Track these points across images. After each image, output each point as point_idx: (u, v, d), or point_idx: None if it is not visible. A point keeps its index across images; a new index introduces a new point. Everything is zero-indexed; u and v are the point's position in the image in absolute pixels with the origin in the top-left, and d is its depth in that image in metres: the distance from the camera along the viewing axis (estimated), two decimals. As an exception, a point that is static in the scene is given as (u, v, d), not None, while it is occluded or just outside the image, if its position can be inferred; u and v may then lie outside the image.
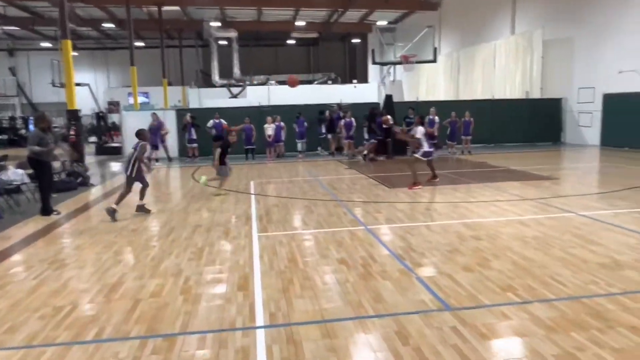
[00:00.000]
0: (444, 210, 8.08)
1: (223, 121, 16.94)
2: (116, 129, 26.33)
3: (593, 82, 19.63)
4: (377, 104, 19.40)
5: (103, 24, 32.43)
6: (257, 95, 28.52)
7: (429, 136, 11.38)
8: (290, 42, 44.95)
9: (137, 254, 6.11)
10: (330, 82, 39.60)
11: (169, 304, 4.42)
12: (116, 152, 20.07)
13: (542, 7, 22.30)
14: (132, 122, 17.99)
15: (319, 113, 18.48)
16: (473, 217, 7.54)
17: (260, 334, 3.79)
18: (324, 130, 18.30)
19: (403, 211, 8.12)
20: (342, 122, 16.97)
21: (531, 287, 4.55)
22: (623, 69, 17.98)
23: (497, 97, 23.93)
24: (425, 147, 10.56)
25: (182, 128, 17.56)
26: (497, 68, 25.13)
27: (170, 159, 17.51)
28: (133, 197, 8.57)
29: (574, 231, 6.49)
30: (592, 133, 19.91)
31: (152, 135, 16.00)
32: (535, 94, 22.17)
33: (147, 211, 8.46)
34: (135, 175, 8.31)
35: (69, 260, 5.87)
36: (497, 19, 25.75)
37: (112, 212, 8.02)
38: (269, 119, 17.37)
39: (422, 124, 11.03)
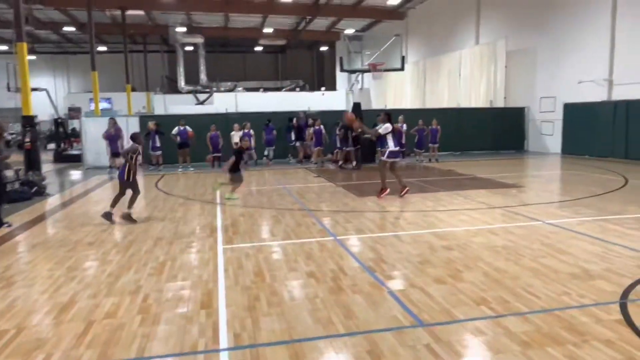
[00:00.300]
0: (414, 220, 8.00)
1: (189, 128, 16.52)
2: (76, 135, 25.39)
3: (554, 92, 20.18)
4: (346, 111, 19.34)
5: (64, 28, 31.37)
6: (224, 102, 28.18)
7: (398, 139, 10.76)
8: (258, 49, 44.75)
9: (92, 269, 5.73)
10: (298, 89, 39.55)
11: (125, 325, 4.11)
12: (76, 160, 19.28)
13: (505, 18, 22.84)
14: (93, 129, 17.37)
15: (288, 120, 18.28)
16: (443, 226, 7.47)
17: (224, 358, 3.54)
18: (293, 138, 18.10)
19: (373, 221, 7.99)
20: (312, 129, 16.83)
21: (504, 299, 4.45)
22: (582, 80, 18.53)
23: (462, 105, 24.34)
24: (391, 147, 9.94)
25: (146, 135, 17.00)
26: (462, 77, 25.57)
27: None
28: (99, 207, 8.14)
29: (542, 240, 6.49)
30: (554, 141, 20.42)
31: (113, 142, 15.48)
32: (499, 103, 22.63)
33: (133, 221, 8.18)
34: (132, 180, 8.28)
35: (18, 278, 5.45)
36: (461, 29, 26.24)
37: (108, 215, 8.13)
38: (236, 126, 17.06)
39: (389, 120, 10.12)
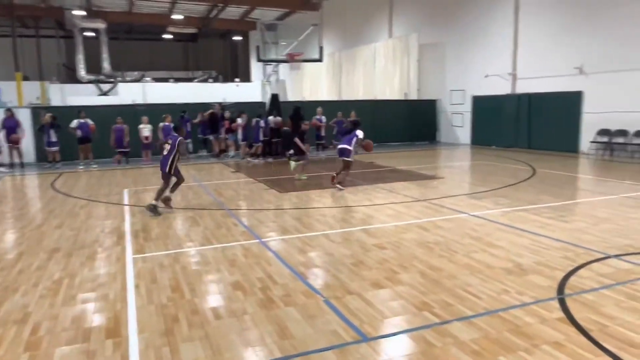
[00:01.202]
0: (342, 216, 7.67)
1: (90, 121, 14.98)
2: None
3: (463, 85, 21.00)
4: (263, 103, 18.73)
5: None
6: (131, 92, 26.26)
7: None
8: (167, 36, 42.42)
9: (-33, 293, 4.73)
10: (211, 80, 38.06)
11: (7, 367, 3.31)
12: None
13: (417, 13, 23.37)
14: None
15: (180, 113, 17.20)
16: (372, 222, 7.22)
17: (137, 402, 2.91)
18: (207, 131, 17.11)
19: (299, 219, 7.55)
20: (239, 121, 15.89)
21: (446, 302, 4.21)
22: (489, 74, 19.42)
23: (378, 97, 24.65)
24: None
25: (39, 129, 15.19)
26: (377, 70, 25.89)
27: (22, 165, 15.07)
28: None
29: (471, 233, 6.43)
30: (464, 132, 21.29)
31: (6, 133, 13.81)
32: (413, 96, 23.18)
33: (170, 207, 8.27)
34: (174, 171, 8.18)
35: None
36: (375, 22, 26.54)
37: (153, 209, 7.93)
38: (145, 118, 15.80)
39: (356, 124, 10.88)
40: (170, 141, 8.14)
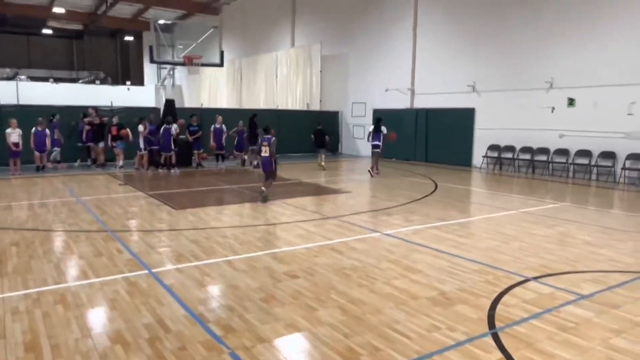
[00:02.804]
0: (246, 238, 6.87)
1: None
2: None
3: (365, 98, 21.22)
4: (157, 109, 17.29)
5: None
6: (1, 91, 23.13)
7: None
8: (47, 31, 38.42)
9: None
10: (98, 82, 35.10)
11: None
12: None
13: (320, 23, 23.29)
14: None
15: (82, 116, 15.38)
16: (280, 244, 6.51)
17: None
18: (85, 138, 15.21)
19: (196, 242, 6.61)
20: (140, 128, 14.27)
21: (374, 346, 3.63)
22: (389, 88, 19.79)
23: (280, 107, 24.12)
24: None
25: None
26: (279, 79, 25.38)
27: None
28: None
29: (388, 256, 6.00)
30: (365, 145, 21.46)
31: None
32: (316, 107, 22.97)
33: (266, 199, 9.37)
34: (275, 168, 9.56)
35: None
36: (278, 30, 26.06)
37: (264, 196, 9.38)
38: (13, 122, 13.63)
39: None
40: (266, 143, 9.37)
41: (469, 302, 4.52)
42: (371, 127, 14.73)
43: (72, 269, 5.42)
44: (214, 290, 4.81)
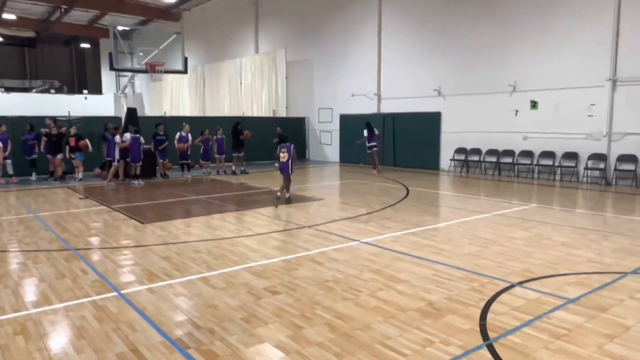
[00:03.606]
0: (220, 252, 6.56)
1: None
2: None
3: (331, 103, 21.14)
4: (118, 118, 16.66)
5: None
6: (-55, 102, 21.89)
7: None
8: (-4, 39, 36.77)
9: None
10: (53, 91, 33.73)
11: None
12: None
13: (283, 28, 23.11)
14: None
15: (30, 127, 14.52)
16: (257, 257, 6.24)
17: None
18: (41, 150, 14.36)
19: (168, 258, 6.26)
20: (117, 139, 13.54)
21: (368, 366, 3.44)
22: (355, 93, 19.79)
23: (245, 114, 23.75)
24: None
25: None
26: (243, 85, 25.03)
27: None
28: None
29: (370, 265, 5.82)
30: (332, 150, 21.39)
31: None
32: (282, 113, 22.73)
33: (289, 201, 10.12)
34: (292, 172, 10.12)
35: None
36: (241, 36, 25.73)
37: (288, 199, 10.16)
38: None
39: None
40: (285, 149, 9.95)
41: (459, 312, 4.39)
42: (365, 131, 15.80)
43: (33, 294, 4.99)
44: (191, 311, 4.49)
